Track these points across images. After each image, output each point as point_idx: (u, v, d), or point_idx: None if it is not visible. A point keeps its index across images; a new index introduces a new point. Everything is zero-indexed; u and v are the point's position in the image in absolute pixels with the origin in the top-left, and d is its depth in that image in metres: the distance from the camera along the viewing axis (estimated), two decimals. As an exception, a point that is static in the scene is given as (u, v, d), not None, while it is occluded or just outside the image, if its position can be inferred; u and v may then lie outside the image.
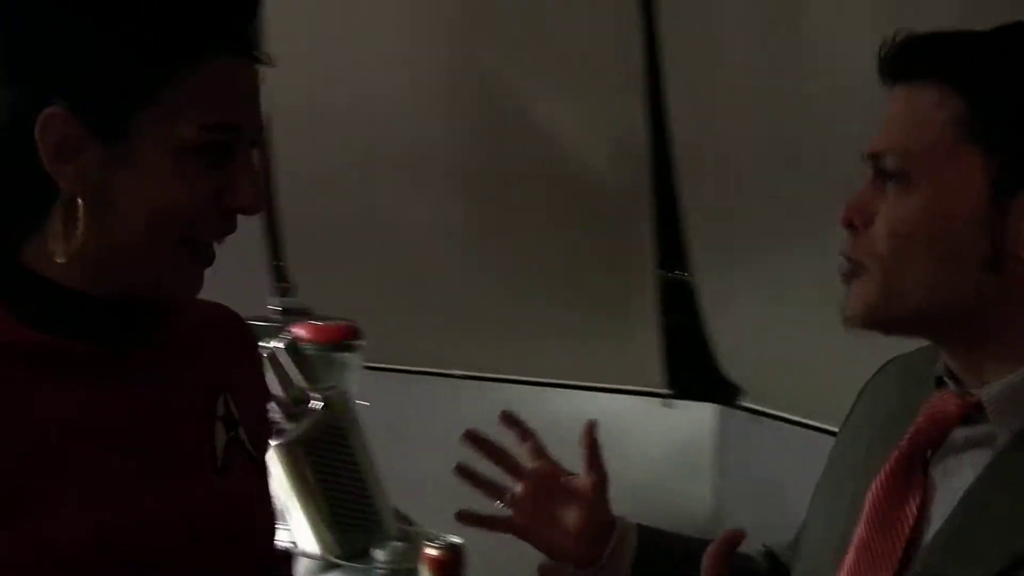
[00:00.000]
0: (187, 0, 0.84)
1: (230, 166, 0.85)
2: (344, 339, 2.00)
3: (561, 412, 3.18)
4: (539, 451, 1.11)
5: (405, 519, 1.92)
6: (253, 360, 1.06)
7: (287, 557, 1.43)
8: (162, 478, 0.86)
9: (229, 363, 0.98)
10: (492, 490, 1.11)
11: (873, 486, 0.91)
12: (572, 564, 1.07)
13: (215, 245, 0.88)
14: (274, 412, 1.69)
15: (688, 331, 2.82)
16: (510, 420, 1.11)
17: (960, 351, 0.90)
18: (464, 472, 1.12)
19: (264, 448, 1.01)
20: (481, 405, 3.28)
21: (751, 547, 1.13)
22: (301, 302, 2.31)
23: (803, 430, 2.29)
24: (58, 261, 0.82)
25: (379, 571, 1.64)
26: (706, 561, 0.92)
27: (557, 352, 3.17)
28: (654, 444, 2.88)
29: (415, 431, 3.27)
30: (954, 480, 0.87)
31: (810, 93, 2.48)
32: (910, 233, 0.86)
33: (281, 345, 1.69)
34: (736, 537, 0.94)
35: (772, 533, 1.17)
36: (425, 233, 3.35)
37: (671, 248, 2.81)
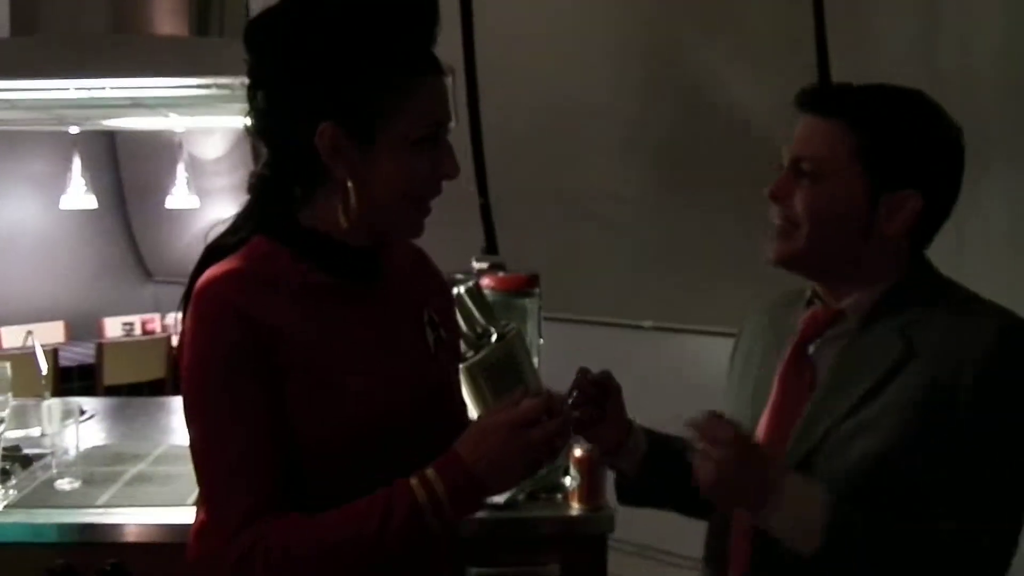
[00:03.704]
0: (403, 42, 1.21)
1: (437, 148, 1.24)
2: (522, 288, 2.39)
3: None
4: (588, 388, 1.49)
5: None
6: (441, 283, 1.49)
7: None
8: (402, 364, 1.30)
9: (427, 285, 1.43)
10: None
11: (779, 371, 1.42)
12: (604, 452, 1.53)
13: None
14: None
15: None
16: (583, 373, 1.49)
17: (833, 284, 1.40)
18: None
19: (458, 343, 1.46)
20: (667, 352, 3.61)
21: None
22: (499, 260, 2.72)
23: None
24: (344, 226, 1.22)
25: (540, 471, 1.99)
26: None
27: (735, 305, 3.42)
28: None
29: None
30: (827, 360, 1.37)
31: (949, 62, 2.65)
32: (818, 211, 1.34)
33: (463, 290, 2.07)
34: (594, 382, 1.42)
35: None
36: (625, 202, 3.67)
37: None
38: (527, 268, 2.87)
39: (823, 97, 1.38)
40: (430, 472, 1.18)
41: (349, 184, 1.21)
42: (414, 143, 1.21)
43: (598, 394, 1.47)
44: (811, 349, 1.40)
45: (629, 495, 1.60)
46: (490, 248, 3.81)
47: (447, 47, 3.92)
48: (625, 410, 1.50)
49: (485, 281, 2.31)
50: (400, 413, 1.26)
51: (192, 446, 1.21)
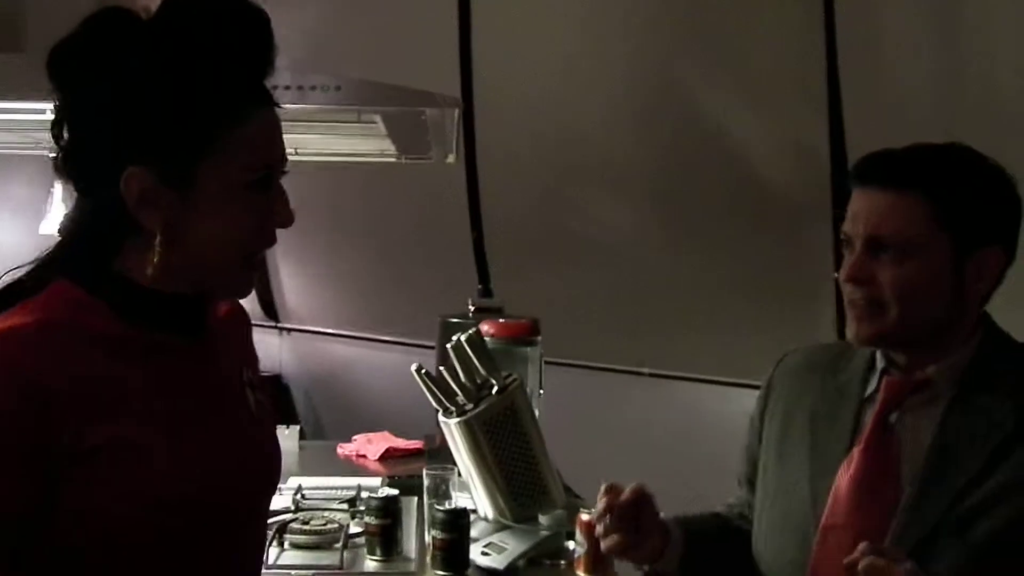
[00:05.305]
0: (221, 72, 1.05)
1: (269, 193, 1.08)
2: (523, 335, 2.27)
3: (741, 410, 3.33)
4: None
5: (573, 492, 2.16)
6: (251, 339, 1.31)
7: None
8: (221, 428, 1.14)
9: (242, 343, 1.26)
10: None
11: (861, 445, 1.36)
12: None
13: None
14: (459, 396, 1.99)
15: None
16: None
17: (916, 351, 1.37)
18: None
19: (273, 408, 1.27)
20: (666, 401, 3.49)
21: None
22: (495, 303, 2.61)
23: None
24: (148, 274, 1.07)
25: (543, 533, 1.88)
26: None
27: (740, 352, 3.31)
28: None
29: (608, 421, 3.51)
30: (915, 430, 1.35)
31: (970, 101, 2.57)
32: (909, 289, 1.32)
33: (464, 338, 1.96)
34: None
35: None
36: (622, 241, 3.56)
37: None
38: (521, 310, 2.77)
39: (885, 168, 1.36)
40: None
41: (158, 238, 1.05)
42: (241, 188, 1.06)
43: (633, 514, 1.41)
44: (892, 418, 1.37)
45: None
46: (482, 279, 3.70)
47: (446, 81, 3.81)
48: (659, 515, 1.45)
49: (484, 327, 2.19)
50: (223, 486, 1.10)
51: None
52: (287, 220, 1.10)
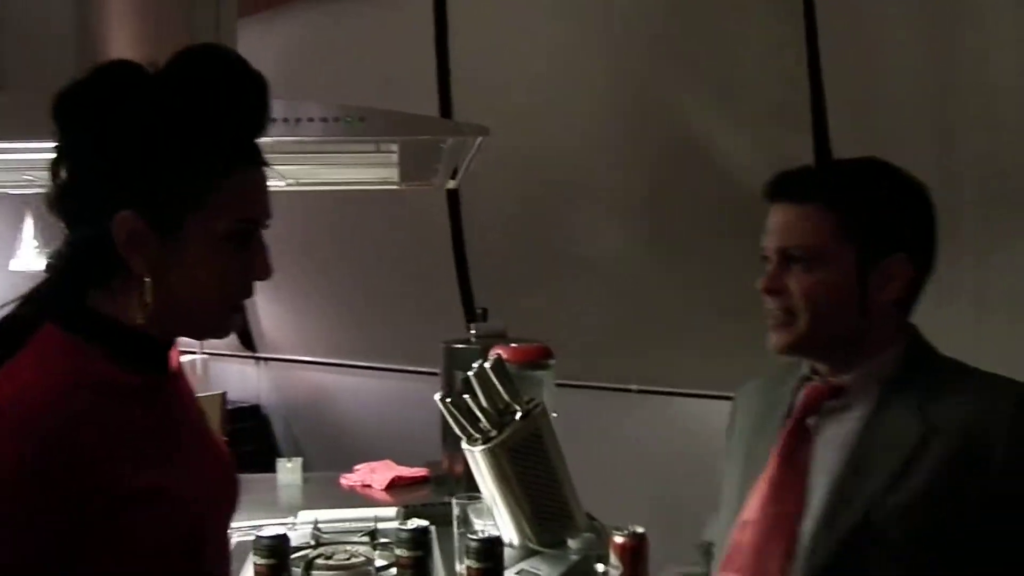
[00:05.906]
0: (218, 130, 1.11)
1: (250, 247, 1.14)
2: (538, 359, 2.27)
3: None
4: None
5: (590, 515, 2.16)
6: (182, 367, 1.34)
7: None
8: (206, 456, 1.22)
9: (182, 372, 1.30)
10: None
11: (777, 446, 1.43)
12: None
13: None
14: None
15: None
16: None
17: (833, 360, 1.43)
18: None
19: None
20: (656, 417, 3.50)
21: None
22: (497, 327, 2.60)
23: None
24: (139, 322, 1.11)
25: (573, 557, 1.87)
26: None
27: (729, 367, 3.34)
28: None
29: (599, 440, 3.52)
30: (827, 433, 1.42)
31: (963, 124, 2.62)
32: (815, 297, 1.38)
33: (488, 365, 1.95)
34: None
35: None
36: (609, 259, 3.58)
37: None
38: (512, 331, 2.76)
39: (791, 185, 1.42)
40: None
41: (146, 280, 1.10)
42: (223, 240, 1.12)
43: None
44: (810, 423, 1.44)
45: None
46: (466, 301, 3.71)
47: (425, 104, 3.79)
48: None
49: (500, 352, 2.19)
50: (213, 509, 1.20)
51: None
52: (266, 273, 1.16)
